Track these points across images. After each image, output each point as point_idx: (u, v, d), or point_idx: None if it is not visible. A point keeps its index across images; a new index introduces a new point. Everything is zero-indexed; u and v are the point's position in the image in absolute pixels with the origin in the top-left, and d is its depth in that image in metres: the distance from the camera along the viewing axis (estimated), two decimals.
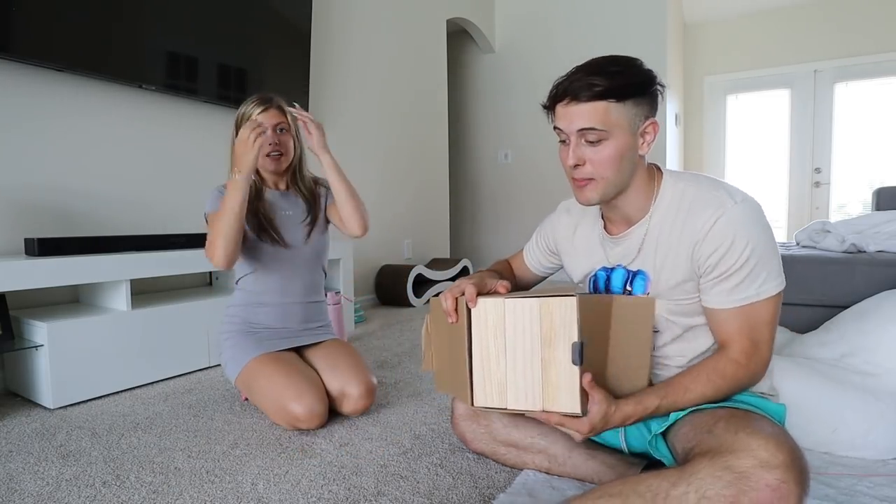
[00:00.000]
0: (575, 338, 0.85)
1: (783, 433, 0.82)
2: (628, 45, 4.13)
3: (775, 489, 0.72)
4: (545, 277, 1.31)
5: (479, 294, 0.94)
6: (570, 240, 1.17)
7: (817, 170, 4.83)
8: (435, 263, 3.86)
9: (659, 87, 0.96)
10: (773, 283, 0.93)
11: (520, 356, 0.91)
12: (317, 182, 1.68)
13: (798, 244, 2.18)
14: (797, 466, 0.74)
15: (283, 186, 1.62)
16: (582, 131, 0.93)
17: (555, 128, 0.97)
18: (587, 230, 1.13)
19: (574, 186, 1.00)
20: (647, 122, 0.95)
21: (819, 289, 1.77)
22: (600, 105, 0.91)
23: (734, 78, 5.10)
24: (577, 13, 4.40)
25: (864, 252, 1.84)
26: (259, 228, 1.53)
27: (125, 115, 2.14)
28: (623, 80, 0.91)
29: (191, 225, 2.35)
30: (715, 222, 0.91)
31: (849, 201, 4.81)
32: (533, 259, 1.27)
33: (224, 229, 1.39)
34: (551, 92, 0.96)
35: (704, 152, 5.25)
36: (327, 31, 3.10)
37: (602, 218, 1.10)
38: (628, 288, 1.04)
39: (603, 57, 0.96)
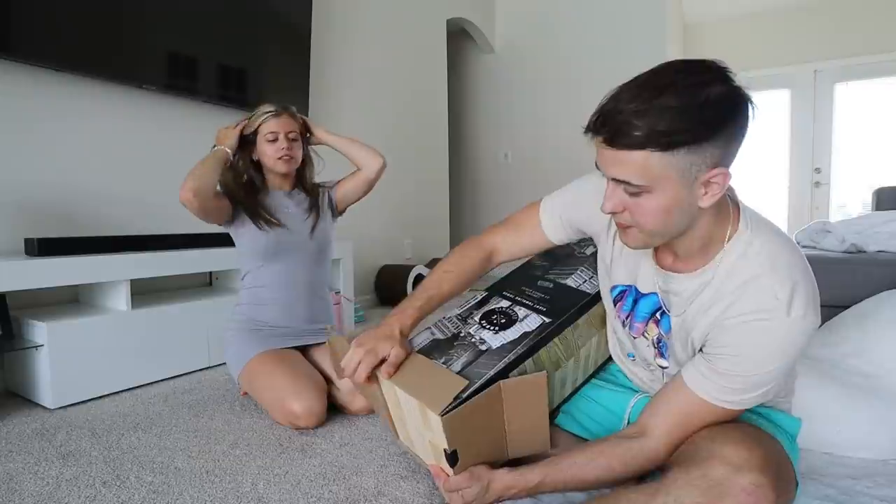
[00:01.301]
0: (446, 446, 0.89)
1: (759, 436, 0.81)
2: (628, 45, 4.13)
3: (750, 493, 0.71)
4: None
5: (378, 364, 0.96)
6: (607, 236, 1.01)
7: (817, 170, 4.83)
8: (435, 263, 3.85)
9: (744, 120, 0.71)
10: (756, 399, 0.83)
11: (414, 430, 0.99)
12: (317, 184, 1.76)
13: (798, 244, 2.18)
14: (772, 470, 0.74)
15: (287, 187, 1.68)
16: (615, 181, 0.75)
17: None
18: None
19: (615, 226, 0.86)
20: (713, 172, 0.72)
21: (819, 289, 1.76)
22: (638, 155, 0.70)
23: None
24: (578, 13, 4.39)
25: (864, 252, 1.84)
26: (261, 219, 1.57)
27: (125, 115, 2.14)
28: (672, 125, 0.67)
29: (191, 225, 2.34)
30: (753, 320, 0.77)
31: (849, 201, 4.81)
32: (553, 230, 1.08)
33: (201, 169, 1.46)
34: (591, 117, 0.75)
35: None
36: (327, 31, 3.10)
37: None
38: (657, 317, 0.94)
39: (668, 71, 0.71)
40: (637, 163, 0.70)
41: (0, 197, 1.79)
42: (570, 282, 1.15)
